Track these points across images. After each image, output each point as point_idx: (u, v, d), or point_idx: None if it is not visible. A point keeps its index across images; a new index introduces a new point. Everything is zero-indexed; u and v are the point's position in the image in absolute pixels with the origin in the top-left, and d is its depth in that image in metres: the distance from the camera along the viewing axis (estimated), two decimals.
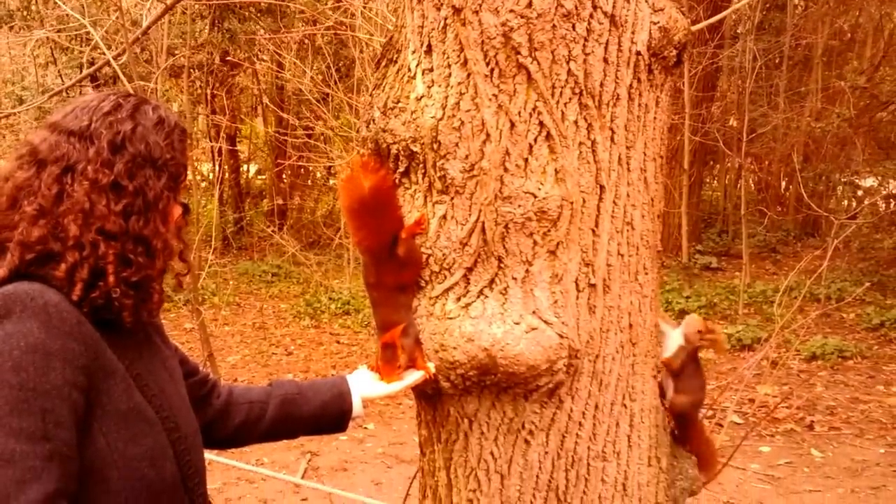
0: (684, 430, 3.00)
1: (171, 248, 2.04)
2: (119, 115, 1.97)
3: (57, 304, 1.79)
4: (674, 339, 2.98)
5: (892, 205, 16.75)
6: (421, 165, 2.49)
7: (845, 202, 19.64)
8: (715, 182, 23.56)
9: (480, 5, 2.31)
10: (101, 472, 1.85)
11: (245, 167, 22.81)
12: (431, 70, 2.45)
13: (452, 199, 2.46)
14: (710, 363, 10.89)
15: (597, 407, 2.63)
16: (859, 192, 18.56)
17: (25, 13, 14.65)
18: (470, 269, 2.50)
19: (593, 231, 2.51)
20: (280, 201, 20.32)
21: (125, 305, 1.90)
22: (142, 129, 1.97)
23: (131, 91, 2.23)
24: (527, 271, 2.46)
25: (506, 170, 2.40)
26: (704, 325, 2.99)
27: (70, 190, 1.89)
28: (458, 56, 2.38)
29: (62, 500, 1.73)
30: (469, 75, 2.37)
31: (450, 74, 2.40)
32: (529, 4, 2.30)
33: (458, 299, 2.52)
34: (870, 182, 18.00)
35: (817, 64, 18.00)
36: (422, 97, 2.46)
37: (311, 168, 19.56)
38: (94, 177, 1.89)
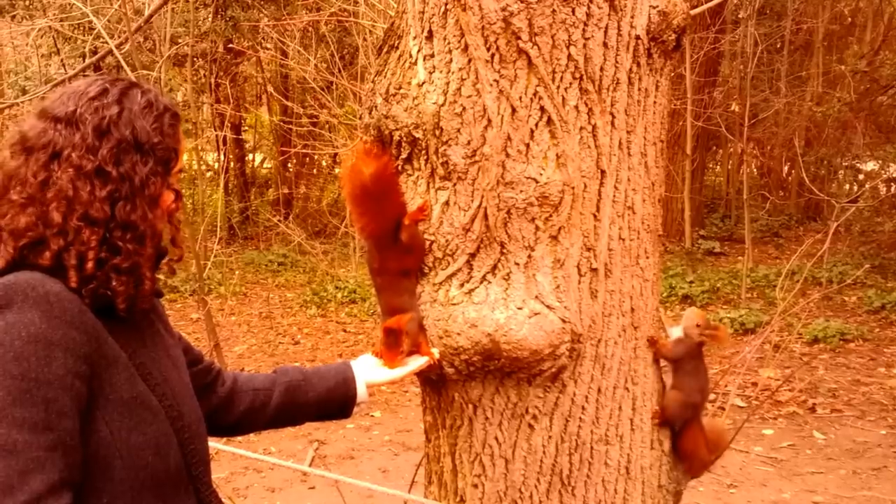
0: (677, 427, 2.93)
1: (160, 233, 2.02)
2: (105, 100, 1.93)
3: (58, 294, 1.78)
4: (674, 335, 2.91)
5: (892, 188, 16.75)
6: (423, 151, 2.48)
7: (847, 186, 19.63)
8: (717, 167, 23.55)
9: None
10: (104, 460, 1.83)
11: (250, 156, 22.78)
12: (433, 56, 2.44)
13: (455, 184, 2.46)
14: (712, 348, 10.88)
15: (599, 391, 2.63)
16: (860, 176, 18.54)
17: (27, 2, 14.63)
18: (473, 255, 2.49)
19: (595, 216, 2.50)
20: (285, 190, 20.27)
21: (118, 292, 1.88)
22: (128, 113, 1.94)
23: (132, 78, 2.18)
24: (529, 256, 2.46)
25: (507, 155, 2.39)
26: (704, 318, 2.90)
27: (56, 177, 1.86)
28: (459, 41, 2.37)
29: (66, 490, 1.72)
30: (470, 61, 2.36)
31: (451, 60, 2.40)
32: None
33: (462, 285, 2.52)
34: (871, 166, 17.96)
35: (818, 48, 17.99)
36: (423, 83, 2.46)
37: (316, 156, 19.54)
38: (79, 163, 1.87)
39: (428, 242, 2.54)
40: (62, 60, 15.27)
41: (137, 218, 1.92)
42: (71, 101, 1.94)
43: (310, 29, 15.90)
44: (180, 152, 2.07)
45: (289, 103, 18.24)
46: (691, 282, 13.68)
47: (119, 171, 1.90)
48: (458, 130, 2.40)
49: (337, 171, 20.17)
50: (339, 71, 13.76)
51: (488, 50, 2.34)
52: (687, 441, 2.91)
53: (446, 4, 2.36)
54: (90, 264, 1.84)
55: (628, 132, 2.52)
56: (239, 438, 7.51)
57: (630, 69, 2.48)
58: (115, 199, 1.89)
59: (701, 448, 2.94)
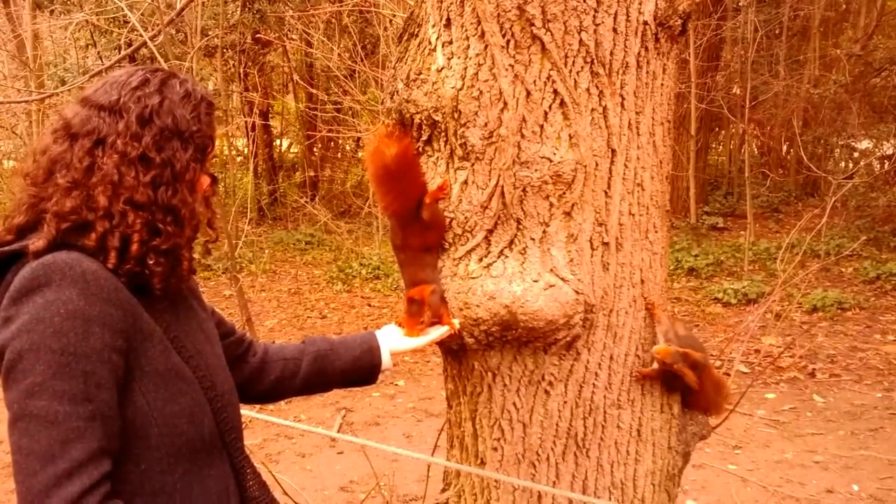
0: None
1: (198, 216, 2.02)
2: (147, 90, 1.93)
3: (95, 272, 1.77)
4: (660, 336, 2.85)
5: (886, 165, 16.62)
6: (442, 134, 2.48)
7: (842, 163, 19.44)
8: (720, 147, 23.43)
9: None
10: (142, 429, 1.84)
11: (278, 141, 22.76)
12: (451, 43, 2.43)
13: (473, 164, 2.45)
14: (717, 317, 10.88)
15: (612, 358, 2.63)
16: (855, 154, 18.39)
17: None
18: (490, 231, 2.49)
19: (606, 193, 2.50)
20: (311, 173, 20.25)
21: (155, 272, 1.88)
22: (169, 102, 1.94)
23: (165, 68, 2.17)
24: (544, 232, 2.46)
25: (523, 136, 2.39)
26: (674, 355, 2.80)
27: (101, 162, 1.86)
28: (476, 29, 2.36)
29: (105, 458, 1.73)
30: (486, 47, 2.35)
31: (468, 46, 2.39)
32: None
33: (480, 260, 2.51)
34: (865, 144, 17.85)
35: (815, 34, 17.86)
36: (442, 69, 2.45)
37: (340, 141, 19.56)
38: (123, 149, 1.87)
39: (448, 219, 2.54)
40: (98, 52, 15.29)
41: (178, 202, 1.93)
42: (114, 91, 1.93)
43: (333, 20, 15.87)
44: (215, 139, 2.07)
45: (314, 90, 18.23)
46: (696, 255, 13.64)
47: (161, 158, 1.90)
48: (476, 113, 2.39)
49: (360, 154, 20.14)
50: (362, 59, 13.73)
51: (504, 36, 2.33)
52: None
53: None
54: (135, 246, 1.84)
55: (637, 113, 2.51)
56: (270, 407, 7.53)
57: (638, 53, 2.47)
58: (158, 183, 1.90)
59: (709, 390, 2.91)
